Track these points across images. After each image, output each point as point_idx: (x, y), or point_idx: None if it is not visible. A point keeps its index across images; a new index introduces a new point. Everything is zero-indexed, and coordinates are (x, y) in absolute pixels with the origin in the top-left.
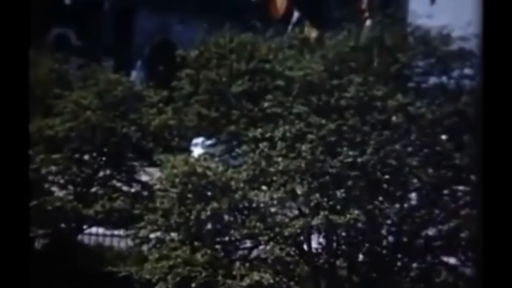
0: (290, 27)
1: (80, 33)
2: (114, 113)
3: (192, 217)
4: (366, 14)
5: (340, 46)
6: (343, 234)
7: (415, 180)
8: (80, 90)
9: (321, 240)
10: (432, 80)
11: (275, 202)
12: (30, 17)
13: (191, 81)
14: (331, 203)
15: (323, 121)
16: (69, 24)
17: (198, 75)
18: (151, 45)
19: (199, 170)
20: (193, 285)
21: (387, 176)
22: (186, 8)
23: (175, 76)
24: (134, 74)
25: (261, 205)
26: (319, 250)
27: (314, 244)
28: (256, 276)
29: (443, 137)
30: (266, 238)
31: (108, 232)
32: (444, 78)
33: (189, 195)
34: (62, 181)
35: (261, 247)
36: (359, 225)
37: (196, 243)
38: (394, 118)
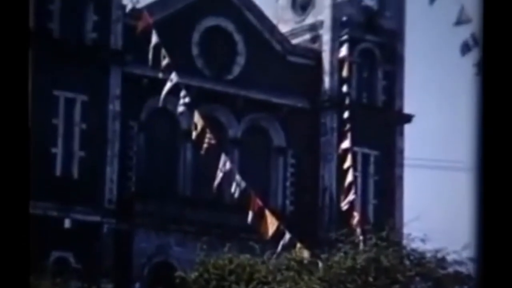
0: (279, 248)
1: (80, 256)
2: None
3: None
4: (360, 237)
5: (337, 267)
6: None
7: None
8: None
9: None
10: None
11: None
12: (29, 244)
13: None
14: None
15: None
16: (69, 247)
17: None
18: (150, 267)
19: None
20: None
21: None
22: (184, 229)
23: None
24: None
25: None
26: None
27: None
28: None
29: None
30: None
31: None
32: None
33: None
34: None
35: None
36: None
37: None
38: None
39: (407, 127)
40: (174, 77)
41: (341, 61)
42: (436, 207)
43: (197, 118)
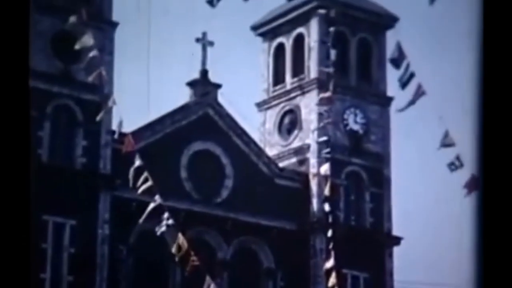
0: None
1: None
2: None
3: None
4: None
5: None
6: None
7: None
8: None
9: None
10: None
11: None
12: None
13: None
14: None
15: None
16: None
17: None
18: None
19: None
20: None
21: None
22: None
23: None
24: None
25: None
26: None
27: None
28: None
29: None
30: None
31: None
32: None
33: None
34: None
35: None
36: None
37: None
38: None
39: (396, 249)
40: (157, 199)
41: (325, 179)
42: None
43: (181, 240)
